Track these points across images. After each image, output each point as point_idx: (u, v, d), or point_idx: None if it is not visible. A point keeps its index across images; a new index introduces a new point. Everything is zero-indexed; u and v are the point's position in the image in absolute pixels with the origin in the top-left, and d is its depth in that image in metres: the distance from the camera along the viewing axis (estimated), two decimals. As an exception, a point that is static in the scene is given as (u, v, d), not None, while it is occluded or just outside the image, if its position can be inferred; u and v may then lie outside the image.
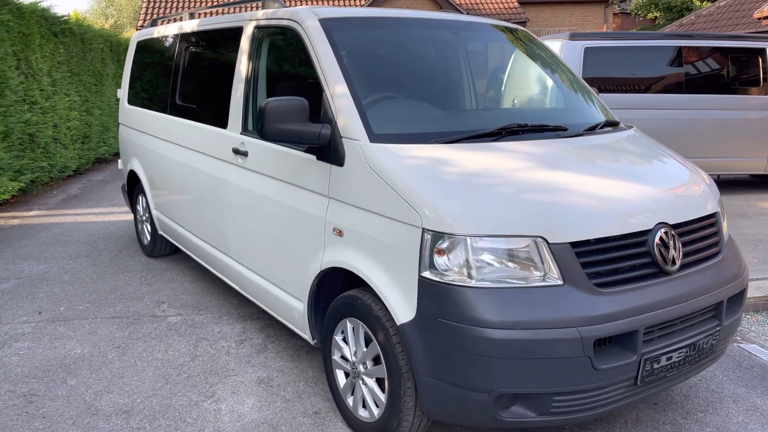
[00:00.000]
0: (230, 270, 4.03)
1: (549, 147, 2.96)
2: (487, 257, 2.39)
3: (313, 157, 3.04)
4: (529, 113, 3.46)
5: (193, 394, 3.34)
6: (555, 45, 8.21)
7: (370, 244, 2.70)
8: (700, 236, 2.83)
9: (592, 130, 3.30)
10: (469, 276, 2.38)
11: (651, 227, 2.61)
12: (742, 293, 2.92)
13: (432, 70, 3.46)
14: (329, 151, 2.93)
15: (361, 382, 2.90)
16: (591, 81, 8.05)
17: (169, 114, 4.83)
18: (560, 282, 2.39)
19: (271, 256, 3.50)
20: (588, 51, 8.07)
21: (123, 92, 6.07)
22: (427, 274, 2.44)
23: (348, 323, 2.92)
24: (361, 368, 2.88)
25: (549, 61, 3.82)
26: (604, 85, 8.13)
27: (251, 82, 3.68)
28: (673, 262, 2.62)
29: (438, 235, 2.41)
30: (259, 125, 2.86)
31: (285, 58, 3.56)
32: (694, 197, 2.91)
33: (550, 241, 2.40)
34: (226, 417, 3.12)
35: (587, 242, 2.46)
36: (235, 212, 3.82)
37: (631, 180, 2.80)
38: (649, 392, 2.63)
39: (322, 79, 3.02)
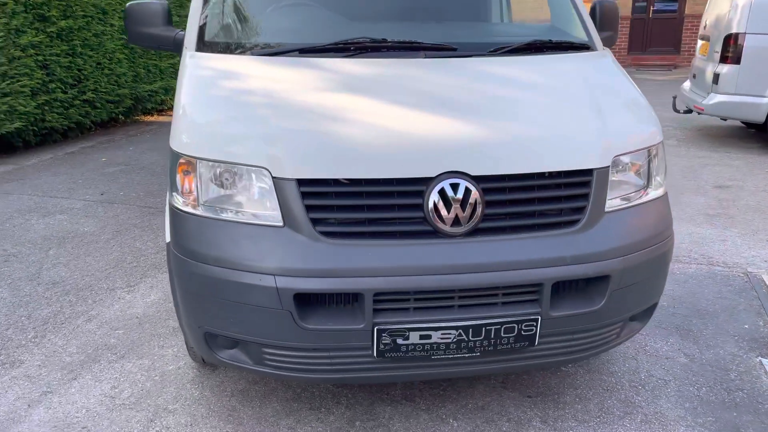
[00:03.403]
0: None
1: (384, 68, 2.46)
2: (211, 185, 2.15)
3: None
4: (422, 29, 2.82)
5: (121, 281, 3.66)
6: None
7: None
8: (536, 197, 2.13)
9: (497, 51, 2.63)
10: (195, 203, 2.18)
11: (433, 176, 2.06)
12: (606, 280, 2.16)
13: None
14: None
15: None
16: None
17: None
18: (279, 223, 2.06)
19: None
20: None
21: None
22: (171, 196, 2.31)
23: None
24: None
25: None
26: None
27: None
28: (457, 223, 2.05)
29: (177, 156, 2.25)
30: (125, 28, 2.89)
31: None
32: (546, 146, 2.16)
33: (273, 175, 2.06)
34: (117, 306, 3.37)
35: (323, 182, 2.05)
36: None
37: (447, 116, 2.19)
38: (409, 372, 2.17)
39: None
